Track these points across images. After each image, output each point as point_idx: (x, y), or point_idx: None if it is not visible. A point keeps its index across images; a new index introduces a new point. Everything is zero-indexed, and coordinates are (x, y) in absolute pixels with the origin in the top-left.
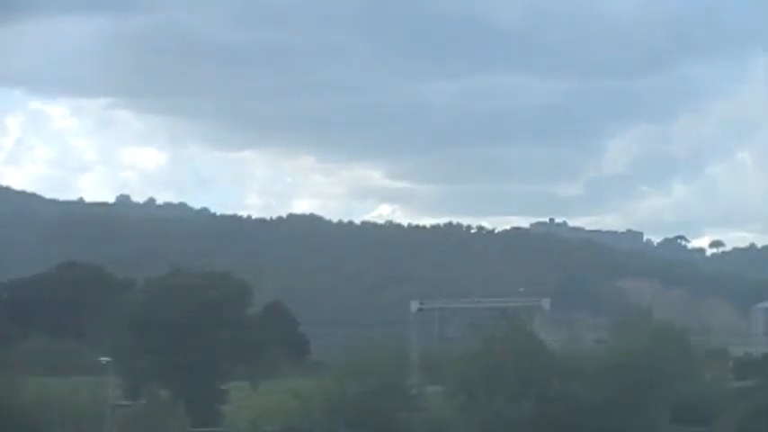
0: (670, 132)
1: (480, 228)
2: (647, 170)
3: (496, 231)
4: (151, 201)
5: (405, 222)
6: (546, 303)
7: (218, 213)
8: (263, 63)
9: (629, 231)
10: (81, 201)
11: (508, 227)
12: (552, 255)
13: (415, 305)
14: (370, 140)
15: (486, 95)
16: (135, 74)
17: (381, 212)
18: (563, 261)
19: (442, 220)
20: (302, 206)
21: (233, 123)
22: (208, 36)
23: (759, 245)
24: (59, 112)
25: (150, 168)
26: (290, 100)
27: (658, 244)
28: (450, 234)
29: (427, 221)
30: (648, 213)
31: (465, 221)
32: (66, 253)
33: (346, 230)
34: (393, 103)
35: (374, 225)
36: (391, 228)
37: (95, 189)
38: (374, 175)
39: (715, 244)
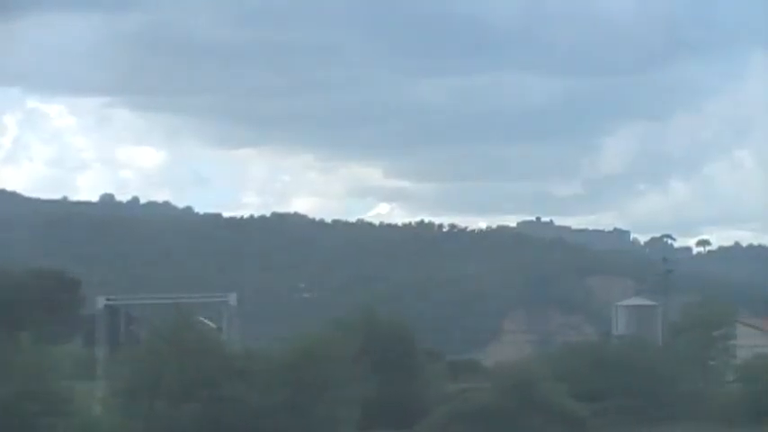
0: (667, 131)
1: (453, 226)
2: (644, 168)
3: (468, 230)
4: (135, 200)
5: (399, 221)
6: (233, 299)
7: (201, 212)
8: (262, 61)
9: (615, 230)
10: (65, 200)
11: (495, 225)
12: (524, 253)
13: (101, 301)
14: (369, 139)
15: (484, 94)
16: (132, 72)
17: (380, 211)
18: (534, 259)
19: (439, 219)
20: (300, 204)
21: (231, 122)
22: (206, 34)
23: (744, 244)
24: (56, 111)
25: (145, 167)
26: (288, 98)
27: (645, 243)
28: (420, 233)
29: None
30: (645, 212)
31: (463, 220)
32: (34, 252)
33: (322, 229)
34: (391, 101)
35: (345, 224)
36: (363, 226)
37: (82, 188)
38: (373, 173)
39: (702, 243)
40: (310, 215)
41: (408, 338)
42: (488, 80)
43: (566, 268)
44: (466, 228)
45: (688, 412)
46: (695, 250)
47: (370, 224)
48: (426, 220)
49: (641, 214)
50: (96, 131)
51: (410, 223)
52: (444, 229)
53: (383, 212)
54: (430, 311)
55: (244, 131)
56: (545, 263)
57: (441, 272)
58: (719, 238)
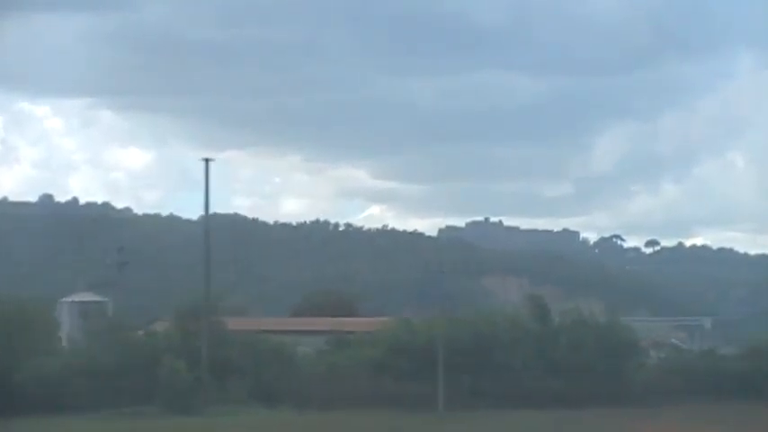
0: (657, 130)
1: (348, 225)
2: (633, 169)
3: (364, 228)
4: (74, 200)
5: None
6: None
7: (140, 213)
8: (247, 61)
9: (564, 230)
10: (5, 200)
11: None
12: (419, 254)
13: None
14: (357, 139)
15: (472, 93)
16: (117, 73)
17: (372, 213)
18: (427, 259)
19: (429, 221)
20: (290, 206)
21: (216, 123)
22: (191, 34)
23: (687, 244)
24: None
25: (132, 169)
26: (274, 98)
27: (594, 243)
28: (313, 232)
29: (416, 222)
30: (637, 213)
31: (454, 221)
32: None
33: (235, 227)
34: (379, 101)
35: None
36: (256, 224)
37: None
38: (361, 174)
39: (650, 243)
40: (250, 215)
41: None
42: (476, 79)
43: (459, 268)
44: (362, 227)
45: None
46: (645, 251)
47: (265, 223)
48: (322, 219)
49: (634, 215)
50: (80, 133)
51: (305, 222)
52: (340, 228)
53: (375, 214)
54: None
55: (228, 133)
56: (439, 263)
57: (330, 270)
58: (710, 238)
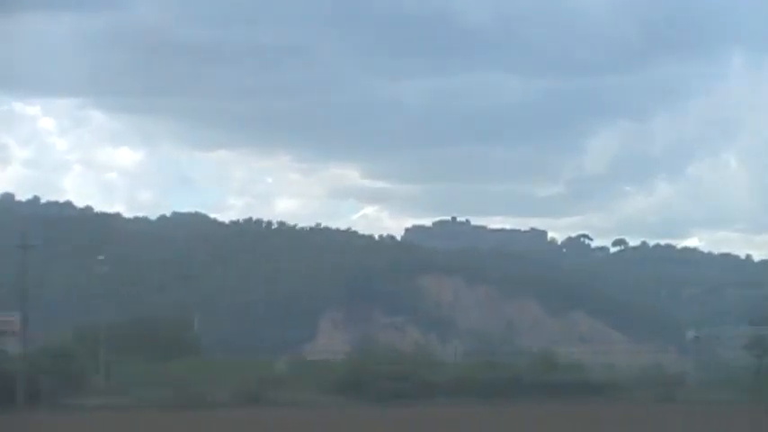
0: (649, 131)
1: (282, 223)
2: (626, 169)
3: (298, 227)
4: (36, 199)
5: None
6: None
7: (99, 211)
8: (237, 62)
9: (532, 230)
10: None
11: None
12: (354, 254)
13: None
14: (347, 140)
15: (464, 94)
16: (105, 73)
17: (365, 213)
18: (362, 260)
19: (419, 221)
20: (281, 206)
21: (207, 122)
22: (182, 35)
23: (651, 243)
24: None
25: (123, 168)
26: (265, 99)
27: (562, 242)
28: (246, 230)
29: (408, 221)
30: (632, 213)
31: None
32: None
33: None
34: (370, 101)
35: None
36: (197, 225)
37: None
38: (352, 174)
39: (618, 242)
40: (210, 215)
41: None
42: (468, 81)
43: (394, 268)
44: (295, 225)
45: None
46: (612, 250)
47: (199, 213)
48: (255, 218)
49: (628, 215)
50: (71, 133)
51: (238, 220)
52: (273, 227)
53: (368, 214)
54: (246, 309)
55: (219, 133)
56: (374, 262)
57: (263, 269)
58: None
